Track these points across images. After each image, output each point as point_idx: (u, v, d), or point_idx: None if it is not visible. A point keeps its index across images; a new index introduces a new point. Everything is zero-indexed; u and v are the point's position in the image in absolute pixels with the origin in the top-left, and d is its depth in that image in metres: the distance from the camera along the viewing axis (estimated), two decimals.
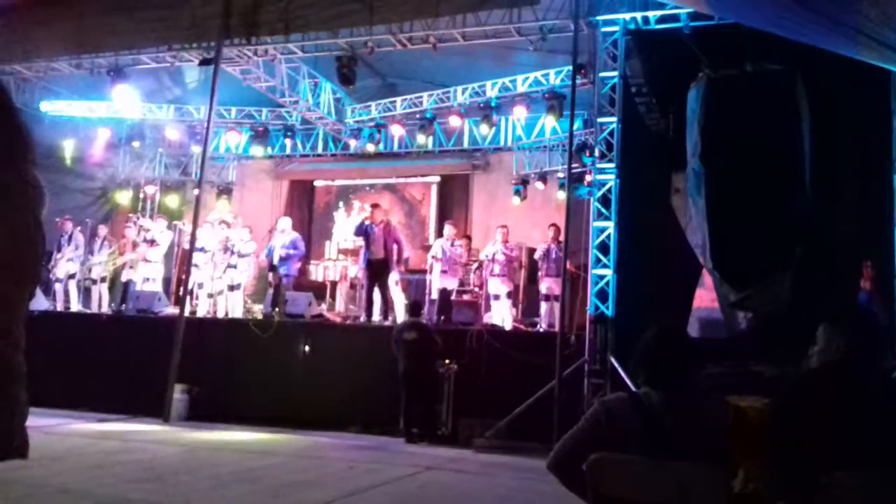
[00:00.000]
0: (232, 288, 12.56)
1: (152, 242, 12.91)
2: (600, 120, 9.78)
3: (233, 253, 12.51)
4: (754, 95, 8.95)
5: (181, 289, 11.14)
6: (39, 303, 12.21)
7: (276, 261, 12.08)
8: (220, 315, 12.33)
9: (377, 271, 11.32)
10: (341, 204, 16.78)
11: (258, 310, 12.82)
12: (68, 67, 12.51)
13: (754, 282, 8.89)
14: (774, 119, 8.87)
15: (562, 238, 10.95)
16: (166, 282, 13.59)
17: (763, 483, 2.44)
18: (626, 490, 2.48)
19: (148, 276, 12.85)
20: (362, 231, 11.49)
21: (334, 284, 14.25)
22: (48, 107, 14.96)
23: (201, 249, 12.31)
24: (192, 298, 12.52)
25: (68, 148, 14.99)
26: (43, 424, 8.82)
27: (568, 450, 2.62)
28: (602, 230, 9.41)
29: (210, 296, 12.66)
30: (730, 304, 9.19)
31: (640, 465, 2.46)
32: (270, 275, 12.69)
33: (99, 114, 15.30)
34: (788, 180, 8.84)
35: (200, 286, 12.64)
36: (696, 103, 9.33)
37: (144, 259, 12.89)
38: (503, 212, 14.53)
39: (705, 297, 10.84)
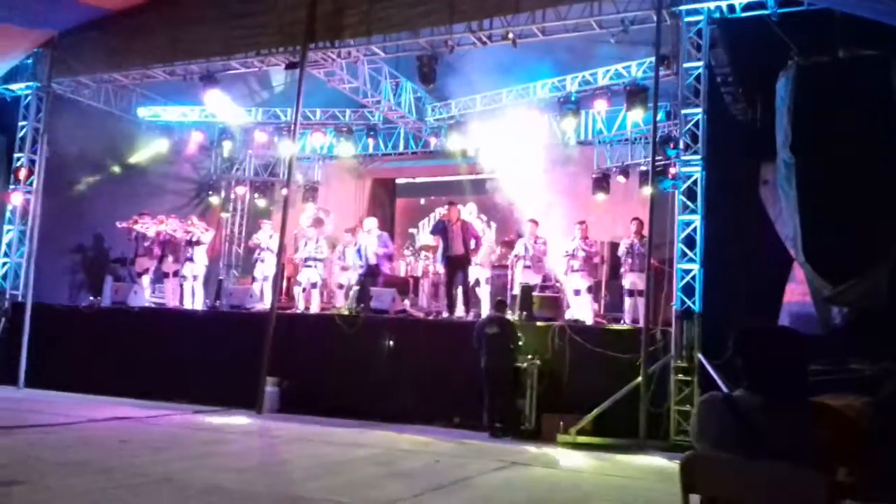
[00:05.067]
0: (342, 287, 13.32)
1: (267, 248, 13.64)
2: (685, 111, 9.60)
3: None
4: (847, 82, 8.62)
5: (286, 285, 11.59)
6: (139, 299, 12.85)
7: (372, 261, 12.42)
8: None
9: (456, 267, 11.56)
10: (424, 222, 17.17)
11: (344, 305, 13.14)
12: (162, 74, 13.04)
13: (849, 275, 8.56)
14: (868, 106, 8.52)
15: (645, 232, 10.84)
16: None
17: (864, 483, 2.41)
18: (720, 488, 2.48)
19: (266, 274, 13.48)
20: (439, 229, 11.81)
21: (417, 280, 14.44)
22: (144, 112, 15.69)
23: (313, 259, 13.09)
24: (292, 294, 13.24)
25: (163, 151, 15.65)
26: (144, 415, 9.33)
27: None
28: (688, 224, 9.25)
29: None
30: (824, 299, 8.89)
31: (734, 463, 2.45)
32: (355, 274, 13.05)
33: (192, 118, 15.95)
34: (883, 170, 8.47)
35: (314, 285, 13.18)
36: (786, 92, 9.04)
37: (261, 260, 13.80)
38: (584, 206, 14.41)
39: (796, 291, 10.52)
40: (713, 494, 2.51)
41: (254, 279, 13.85)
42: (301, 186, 17.07)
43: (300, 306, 12.99)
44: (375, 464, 7.06)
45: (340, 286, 13.49)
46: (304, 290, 13.16)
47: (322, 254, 13.30)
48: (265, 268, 13.58)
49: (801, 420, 2.48)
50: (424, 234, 16.63)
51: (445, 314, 11.58)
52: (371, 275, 12.56)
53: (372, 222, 13.11)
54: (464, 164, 15.49)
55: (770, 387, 2.53)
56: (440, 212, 11.91)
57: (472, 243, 11.67)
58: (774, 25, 9.15)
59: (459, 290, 11.59)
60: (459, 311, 11.56)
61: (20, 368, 11.64)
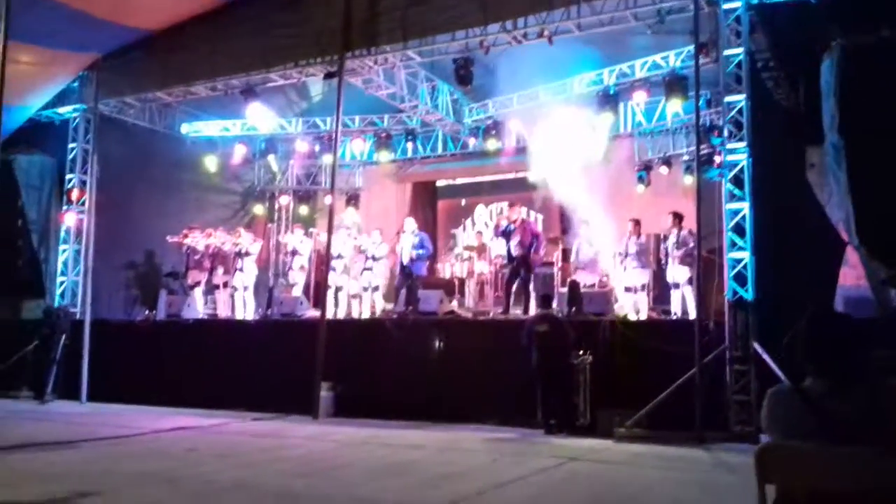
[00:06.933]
0: (367, 289, 13.19)
1: (294, 252, 13.76)
2: (727, 99, 9.49)
3: (367, 257, 13.12)
4: (892, 61, 8.47)
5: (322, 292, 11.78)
6: (193, 311, 13.12)
7: (405, 261, 12.52)
8: (356, 315, 12.91)
9: (517, 267, 11.63)
10: (467, 222, 17.32)
11: (392, 308, 13.25)
12: (204, 90, 13.30)
13: None
14: None
15: (685, 224, 10.82)
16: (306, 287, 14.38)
17: None
18: (798, 478, 2.48)
19: (295, 281, 13.65)
20: (502, 232, 11.96)
21: (462, 281, 14.51)
22: (187, 128, 16.01)
23: (338, 256, 13.01)
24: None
25: (208, 165, 15.96)
26: (206, 424, 9.54)
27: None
28: (736, 212, 9.15)
29: (355, 296, 13.51)
30: (881, 281, 8.75)
31: (812, 451, 2.45)
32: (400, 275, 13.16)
33: (234, 132, 16.24)
34: None
35: (340, 289, 13.27)
36: (831, 74, 8.92)
37: (290, 268, 14.02)
38: (627, 199, 14.32)
39: (850, 275, 10.36)
40: (791, 484, 2.51)
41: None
42: (343, 193, 17.27)
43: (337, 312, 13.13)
44: (434, 464, 7.15)
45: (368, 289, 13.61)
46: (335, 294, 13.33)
47: (347, 250, 13.43)
48: (294, 274, 13.91)
49: (876, 402, 2.48)
50: (467, 235, 16.73)
51: (500, 311, 11.59)
52: (405, 276, 12.68)
53: (411, 223, 13.20)
54: (503, 163, 15.52)
55: (837, 371, 2.53)
56: (493, 210, 11.97)
57: (533, 242, 11.65)
58: (815, 7, 9.03)
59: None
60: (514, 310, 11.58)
61: (82, 383, 11.98)
